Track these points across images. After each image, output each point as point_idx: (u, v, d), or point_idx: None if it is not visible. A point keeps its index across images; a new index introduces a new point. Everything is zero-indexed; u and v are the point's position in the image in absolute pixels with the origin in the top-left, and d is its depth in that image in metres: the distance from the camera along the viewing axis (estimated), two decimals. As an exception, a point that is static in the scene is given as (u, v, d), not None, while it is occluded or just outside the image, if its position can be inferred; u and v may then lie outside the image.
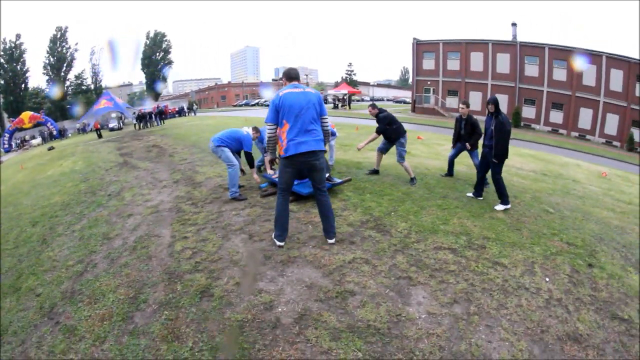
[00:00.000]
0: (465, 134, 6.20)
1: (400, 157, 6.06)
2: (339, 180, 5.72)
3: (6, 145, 29.74)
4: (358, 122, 19.52)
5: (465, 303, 2.94)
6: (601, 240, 4.54)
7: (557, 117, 26.75)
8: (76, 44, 44.63)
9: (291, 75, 3.64)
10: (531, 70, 27.37)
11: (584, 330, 2.87)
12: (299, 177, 4.89)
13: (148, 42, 51.63)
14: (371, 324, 2.58)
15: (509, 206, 5.09)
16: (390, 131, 6.04)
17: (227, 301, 2.81)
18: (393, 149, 6.28)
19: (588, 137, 25.51)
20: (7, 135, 30.59)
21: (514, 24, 28.86)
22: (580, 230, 4.76)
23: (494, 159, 4.95)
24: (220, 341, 2.40)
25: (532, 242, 4.23)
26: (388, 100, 53.35)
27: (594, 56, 24.72)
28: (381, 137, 6.24)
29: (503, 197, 5.11)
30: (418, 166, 7.60)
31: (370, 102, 6.34)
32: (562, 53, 25.87)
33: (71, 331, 2.63)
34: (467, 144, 6.19)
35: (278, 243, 3.72)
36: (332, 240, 3.74)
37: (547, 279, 3.53)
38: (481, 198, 5.44)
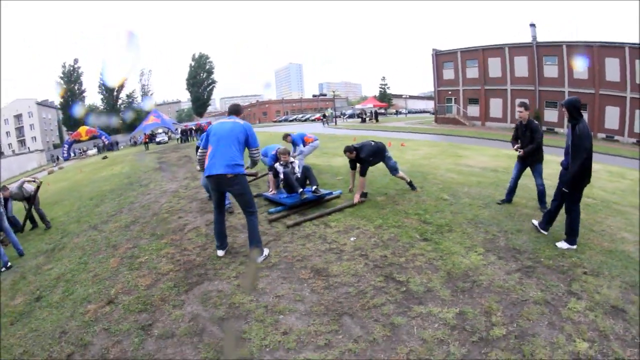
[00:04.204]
0: (522, 143, 5.10)
1: (394, 170, 5.95)
2: (325, 192, 5.79)
3: (65, 154, 36.36)
4: (380, 134, 20.14)
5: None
6: (477, 224, 4.38)
7: (582, 118, 25.32)
8: (128, 67, 48.94)
9: (230, 110, 4.18)
10: (551, 71, 26.60)
11: (336, 271, 3.31)
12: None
13: (193, 63, 54.92)
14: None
15: (574, 247, 3.82)
16: (375, 161, 5.83)
17: (169, 222, 5.79)
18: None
19: (617, 137, 23.75)
20: (66, 146, 37.17)
21: (532, 25, 27.85)
22: (459, 214, 4.74)
23: (564, 187, 3.76)
24: (156, 233, 5.35)
25: (380, 216, 4.68)
26: (430, 112, 52.21)
27: (616, 48, 23.16)
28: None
29: (571, 234, 3.86)
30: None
31: (346, 147, 5.70)
32: (581, 49, 24.49)
33: (100, 231, 5.88)
34: (521, 150, 5.07)
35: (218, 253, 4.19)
36: (263, 255, 3.91)
37: (353, 239, 3.95)
38: (546, 233, 4.19)
